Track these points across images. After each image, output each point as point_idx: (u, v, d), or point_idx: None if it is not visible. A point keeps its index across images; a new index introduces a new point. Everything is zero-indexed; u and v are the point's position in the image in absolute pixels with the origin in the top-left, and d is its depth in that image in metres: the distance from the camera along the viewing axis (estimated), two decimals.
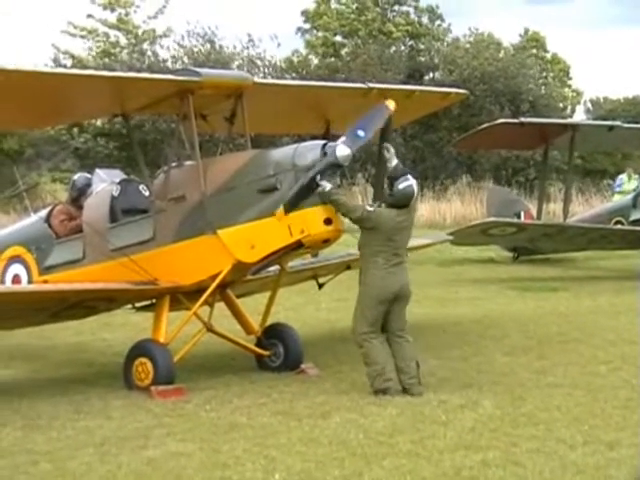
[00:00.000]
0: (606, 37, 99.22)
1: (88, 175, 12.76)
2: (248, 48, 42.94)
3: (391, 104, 11.01)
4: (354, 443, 8.37)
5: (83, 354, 13.12)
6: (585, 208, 31.12)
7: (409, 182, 10.47)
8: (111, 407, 9.90)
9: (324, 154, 10.39)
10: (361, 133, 10.49)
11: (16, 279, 12.44)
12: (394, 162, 10.63)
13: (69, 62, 40.85)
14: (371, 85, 12.59)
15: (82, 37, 42.50)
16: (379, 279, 10.41)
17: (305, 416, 9.41)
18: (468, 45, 48.48)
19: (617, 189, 28.24)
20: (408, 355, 10.52)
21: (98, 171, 12.83)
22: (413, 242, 16.61)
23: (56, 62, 40.70)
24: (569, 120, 33.50)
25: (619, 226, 23.11)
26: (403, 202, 10.50)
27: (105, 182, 12.24)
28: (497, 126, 22.52)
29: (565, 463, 7.74)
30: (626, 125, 23.31)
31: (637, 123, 26.41)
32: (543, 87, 49.96)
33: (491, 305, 17.53)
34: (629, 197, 24.86)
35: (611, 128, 22.96)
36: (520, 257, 25.33)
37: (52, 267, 12.14)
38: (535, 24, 66.84)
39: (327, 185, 10.32)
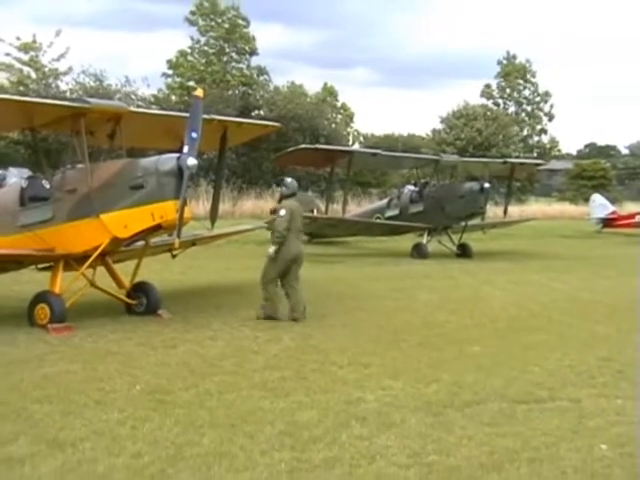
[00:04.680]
0: (372, 92, 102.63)
1: (3, 171, 12.17)
2: (125, 86, 42.12)
3: (198, 91, 10.90)
4: (194, 365, 8.36)
5: None
6: (357, 207, 31.78)
7: (289, 179, 11.71)
8: (18, 339, 9.52)
9: (180, 166, 10.29)
10: (194, 135, 10.37)
11: None
12: (282, 213, 11.26)
13: None
14: (213, 116, 12.47)
15: (2, 70, 40.60)
16: (286, 247, 11.17)
17: (160, 347, 9.30)
18: (284, 92, 48.82)
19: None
20: (298, 299, 11.30)
21: (11, 169, 12.29)
22: (239, 227, 16.68)
23: None
24: (348, 148, 33.99)
25: (377, 220, 23.71)
26: (294, 192, 11.56)
27: (17, 177, 11.74)
28: (299, 150, 22.61)
29: (335, 378, 7.96)
30: (384, 153, 23.86)
31: (391, 152, 27.17)
32: (334, 125, 50.81)
33: None
34: (385, 200, 25.51)
35: (374, 154, 23.49)
36: (313, 239, 25.61)
37: None
38: (331, 81, 68.05)
39: (271, 250, 11.20)
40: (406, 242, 22.96)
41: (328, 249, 23.86)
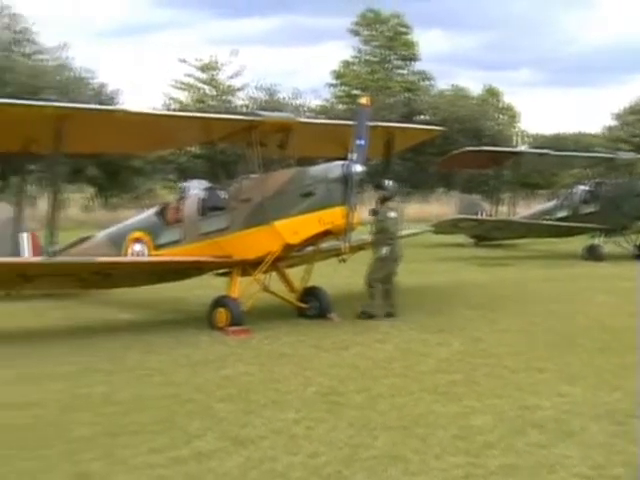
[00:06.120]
0: (539, 92, 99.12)
1: (188, 184, 12.79)
2: (295, 98, 43.54)
3: (364, 99, 10.93)
4: (364, 368, 8.38)
5: (181, 305, 13.16)
6: (525, 209, 30.77)
7: (390, 182, 11.92)
8: (200, 341, 9.94)
9: (347, 173, 10.40)
10: (361, 142, 10.45)
11: (138, 254, 12.46)
12: (392, 215, 11.80)
13: (175, 106, 41.52)
14: (378, 123, 12.49)
15: (183, 89, 43.21)
16: (392, 248, 11.65)
17: (331, 349, 9.41)
18: (447, 95, 48.46)
19: None
20: (395, 295, 11.71)
21: (192, 181, 12.87)
22: (406, 232, 16.68)
23: (165, 106, 41.39)
24: (514, 149, 33.03)
25: (546, 222, 22.91)
26: (393, 194, 12.05)
27: (197, 189, 12.28)
28: (465, 152, 22.30)
29: (508, 383, 7.72)
30: (553, 152, 23.04)
31: (561, 151, 26.12)
32: (499, 126, 49.73)
33: (459, 275, 17.44)
34: (555, 201, 24.58)
35: (542, 155, 22.75)
36: (480, 242, 25.18)
37: (162, 245, 12.10)
38: (495, 82, 66.70)
39: (385, 250, 11.60)
40: (579, 243, 21.98)
41: (495, 252, 23.33)
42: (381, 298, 11.64)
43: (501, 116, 56.92)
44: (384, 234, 11.71)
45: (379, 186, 11.98)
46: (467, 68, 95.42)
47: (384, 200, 11.92)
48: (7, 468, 5.44)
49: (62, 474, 5.33)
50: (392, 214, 11.77)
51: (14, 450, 5.77)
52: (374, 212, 11.92)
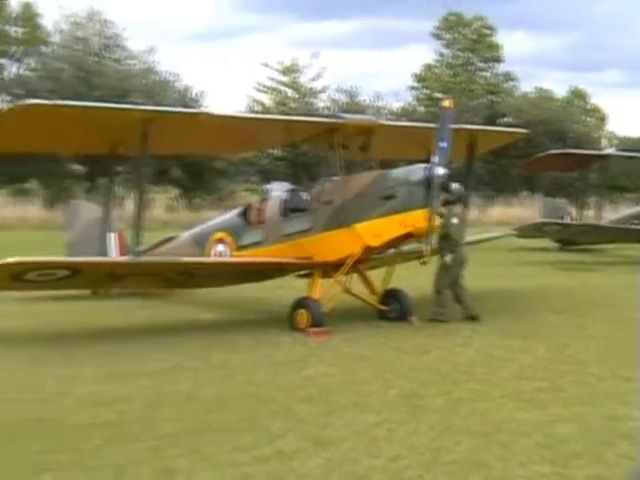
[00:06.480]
0: (629, 93, 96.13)
1: (270, 186, 12.90)
2: (376, 101, 43.59)
3: (447, 102, 10.83)
4: (445, 372, 8.31)
5: (262, 305, 13.27)
6: (612, 213, 29.88)
7: (456, 185, 11.28)
8: (281, 341, 10.01)
9: (429, 176, 10.32)
10: (443, 144, 10.37)
11: (221, 255, 12.63)
12: (455, 221, 11.62)
13: (258, 108, 42.21)
14: (461, 126, 12.34)
15: (266, 92, 43.85)
16: (456, 253, 11.53)
17: (412, 352, 9.36)
18: (531, 98, 47.63)
19: None
20: (468, 298, 11.58)
21: (275, 183, 12.99)
22: (488, 235, 16.44)
23: (249, 108, 42.08)
24: (602, 152, 32.13)
25: (634, 226, 22.20)
26: (459, 198, 11.56)
27: (279, 191, 12.38)
28: (550, 155, 21.92)
29: (597, 391, 7.55)
30: None
31: None
32: (585, 128, 48.54)
33: (544, 280, 17.06)
34: None
35: (631, 157, 22.11)
36: (565, 247, 24.60)
37: (244, 246, 12.23)
38: (580, 84, 65.07)
39: (448, 257, 11.47)
40: None
41: (580, 256, 22.73)
42: (452, 304, 11.49)
43: (588, 118, 55.54)
44: (447, 241, 11.50)
45: (444, 189, 11.39)
46: (551, 69, 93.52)
47: (447, 203, 11.49)
48: (98, 462, 5.62)
49: (149, 469, 5.46)
50: (455, 220, 11.54)
51: (104, 445, 5.95)
52: (440, 215, 11.58)
